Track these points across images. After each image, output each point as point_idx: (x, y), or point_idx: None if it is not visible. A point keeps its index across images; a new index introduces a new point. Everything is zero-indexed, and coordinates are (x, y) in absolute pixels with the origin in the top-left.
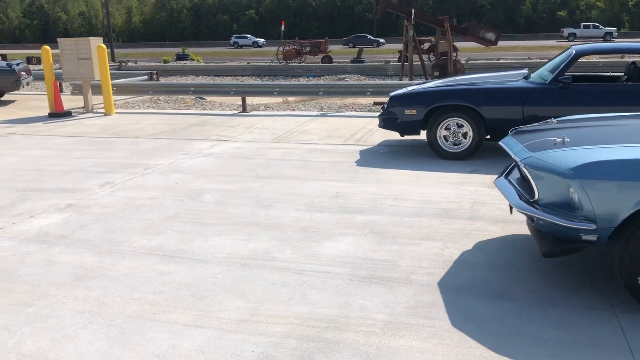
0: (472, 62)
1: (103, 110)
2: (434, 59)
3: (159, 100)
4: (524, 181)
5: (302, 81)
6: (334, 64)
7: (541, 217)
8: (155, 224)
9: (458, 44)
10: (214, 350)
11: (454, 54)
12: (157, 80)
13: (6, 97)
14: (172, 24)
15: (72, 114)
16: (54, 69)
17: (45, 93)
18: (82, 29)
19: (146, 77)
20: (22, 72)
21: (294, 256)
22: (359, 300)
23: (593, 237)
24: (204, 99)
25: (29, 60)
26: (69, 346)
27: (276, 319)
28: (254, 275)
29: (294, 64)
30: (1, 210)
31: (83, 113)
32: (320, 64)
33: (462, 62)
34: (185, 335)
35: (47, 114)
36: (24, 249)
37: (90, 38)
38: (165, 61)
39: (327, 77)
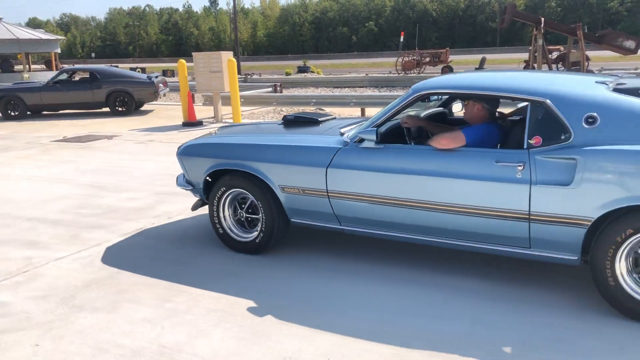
0: (606, 71)
1: (231, 120)
2: (562, 68)
3: (282, 111)
4: None
5: None
6: None
7: (181, 186)
8: None
9: (590, 53)
10: (339, 357)
11: (586, 64)
12: (281, 92)
13: (145, 106)
14: (294, 37)
15: (203, 124)
16: (188, 82)
17: (179, 103)
18: (211, 44)
19: (270, 89)
20: (160, 84)
21: None
22: None
23: (196, 192)
24: (323, 110)
25: (165, 73)
26: (203, 341)
27: None
28: None
29: (412, 74)
30: (143, 212)
31: (213, 123)
32: (440, 75)
33: (595, 72)
34: (311, 339)
35: (181, 123)
36: (161, 246)
37: (221, 52)
38: (287, 74)
39: None
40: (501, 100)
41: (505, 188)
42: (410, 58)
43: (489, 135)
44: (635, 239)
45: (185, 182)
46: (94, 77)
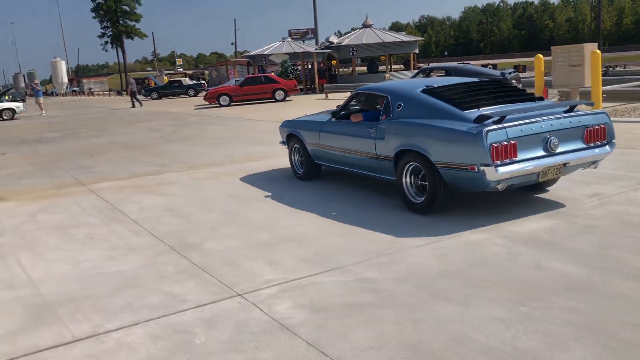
0: None
1: None
2: None
3: None
4: None
5: None
6: None
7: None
8: None
9: None
10: None
11: None
12: None
13: None
14: None
15: None
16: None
17: None
18: (567, 35)
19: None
20: (513, 80)
21: None
22: None
23: None
24: None
25: (516, 68)
26: (562, 355)
27: None
28: None
29: None
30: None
31: None
32: None
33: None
34: None
35: None
36: (516, 249)
37: (584, 44)
38: None
39: None
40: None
41: (367, 141)
42: None
43: (373, 115)
44: (411, 165)
45: None
46: (449, 75)
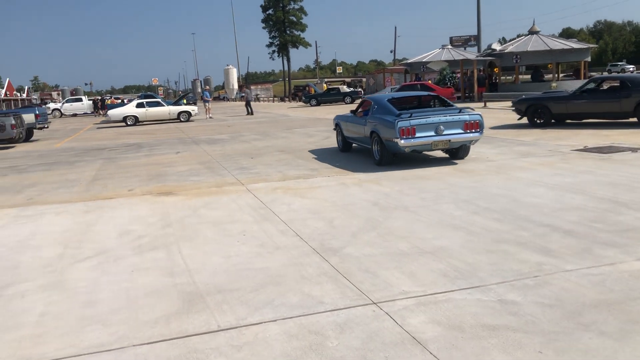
0: None
1: None
2: None
3: None
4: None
5: None
6: None
7: None
8: None
9: None
10: None
11: None
12: None
13: None
14: None
15: None
16: None
17: None
18: None
19: None
20: None
21: None
22: None
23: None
24: None
25: None
26: None
27: None
28: None
29: None
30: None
31: None
32: None
33: None
34: None
35: None
36: None
37: None
38: None
39: None
40: (369, 101)
41: (362, 127)
42: None
43: (367, 112)
44: (375, 139)
45: None
46: (624, 86)
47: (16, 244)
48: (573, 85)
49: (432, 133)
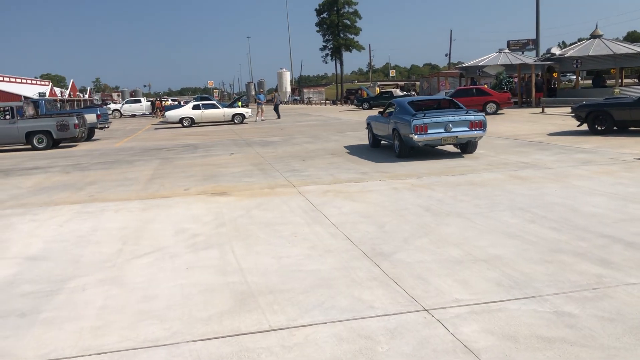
0: None
1: None
2: None
3: None
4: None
5: None
6: None
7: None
8: None
9: None
10: None
11: None
12: None
13: None
14: None
15: None
16: None
17: None
18: None
19: None
20: None
21: None
22: None
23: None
24: None
25: None
26: None
27: None
28: None
29: None
30: None
31: None
32: None
33: None
34: None
35: None
36: None
37: None
38: None
39: None
40: (393, 104)
41: (387, 125)
42: None
43: (391, 113)
44: (396, 135)
45: None
46: None
47: (78, 239)
48: (638, 91)
49: (442, 130)
